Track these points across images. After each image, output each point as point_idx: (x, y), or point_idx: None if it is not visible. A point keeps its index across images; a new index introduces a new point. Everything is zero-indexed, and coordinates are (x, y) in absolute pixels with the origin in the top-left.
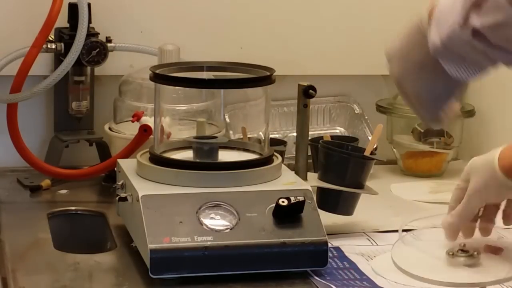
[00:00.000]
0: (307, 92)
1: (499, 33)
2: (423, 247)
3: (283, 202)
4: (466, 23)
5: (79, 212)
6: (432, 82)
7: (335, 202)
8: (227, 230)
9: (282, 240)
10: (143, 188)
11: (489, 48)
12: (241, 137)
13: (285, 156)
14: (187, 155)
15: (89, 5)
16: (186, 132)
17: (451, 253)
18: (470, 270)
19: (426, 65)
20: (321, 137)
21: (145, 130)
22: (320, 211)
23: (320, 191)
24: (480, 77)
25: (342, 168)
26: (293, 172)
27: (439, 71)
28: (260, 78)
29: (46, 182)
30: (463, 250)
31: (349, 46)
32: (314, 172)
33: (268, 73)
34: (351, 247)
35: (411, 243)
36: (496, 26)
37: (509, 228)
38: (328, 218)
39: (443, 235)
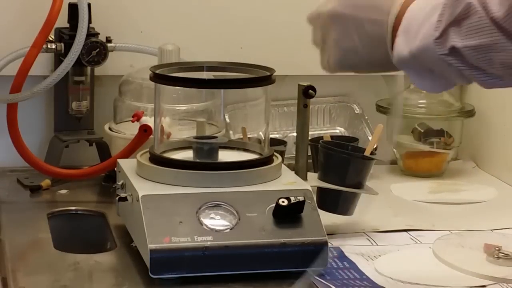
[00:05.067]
0: (307, 92)
1: (481, 55)
2: (464, 245)
3: (283, 202)
4: (443, 39)
5: (79, 212)
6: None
7: (335, 202)
8: (227, 230)
9: (282, 240)
10: (143, 188)
11: (465, 67)
12: (241, 137)
13: (285, 156)
14: (187, 155)
15: (89, 5)
16: (186, 132)
17: (491, 254)
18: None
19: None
20: (321, 137)
21: (145, 130)
22: (320, 211)
23: (320, 191)
24: (446, 89)
25: (342, 168)
26: (293, 172)
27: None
28: (260, 78)
29: (46, 182)
30: (504, 253)
31: None
32: (314, 172)
33: (268, 73)
34: (351, 247)
35: (452, 241)
36: (479, 48)
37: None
38: (328, 218)
39: (483, 237)
